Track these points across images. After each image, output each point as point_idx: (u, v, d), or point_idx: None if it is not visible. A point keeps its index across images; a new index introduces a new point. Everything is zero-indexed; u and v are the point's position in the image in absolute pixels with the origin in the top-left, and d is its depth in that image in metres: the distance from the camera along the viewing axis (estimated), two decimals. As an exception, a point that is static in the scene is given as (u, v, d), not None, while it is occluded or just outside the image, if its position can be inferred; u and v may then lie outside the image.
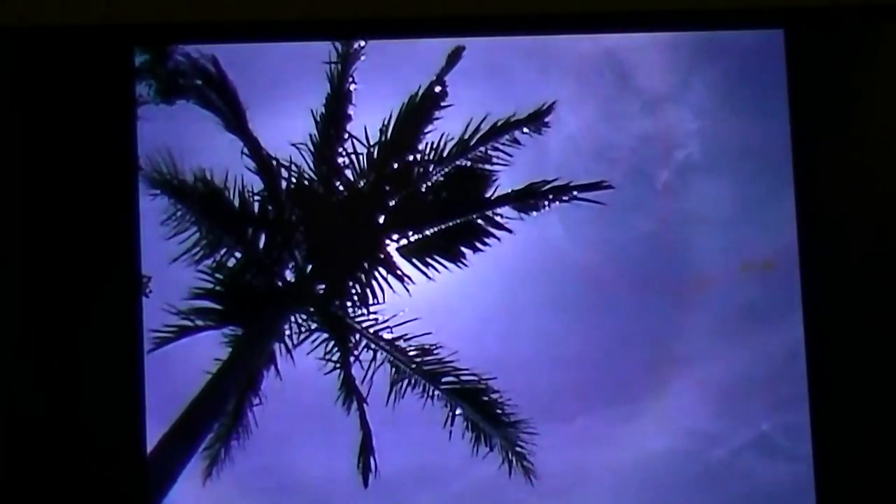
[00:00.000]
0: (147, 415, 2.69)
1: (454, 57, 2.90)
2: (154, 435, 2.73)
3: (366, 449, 2.83)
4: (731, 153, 2.88)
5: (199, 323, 2.89)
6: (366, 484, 2.81)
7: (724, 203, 2.89)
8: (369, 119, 3.00)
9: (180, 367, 2.84)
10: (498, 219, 2.95)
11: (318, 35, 2.87)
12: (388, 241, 2.96)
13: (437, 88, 2.93)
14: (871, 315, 2.74)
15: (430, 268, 2.96)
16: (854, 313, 2.75)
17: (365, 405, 2.85)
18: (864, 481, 2.72)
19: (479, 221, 2.96)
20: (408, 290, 2.93)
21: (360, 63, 2.96)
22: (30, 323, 2.66)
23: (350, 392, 2.87)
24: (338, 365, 2.91)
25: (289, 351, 2.89)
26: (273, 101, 2.92)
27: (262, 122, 2.92)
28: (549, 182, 2.94)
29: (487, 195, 2.98)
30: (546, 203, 2.94)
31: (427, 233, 2.97)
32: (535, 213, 2.95)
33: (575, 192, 2.91)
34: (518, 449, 2.86)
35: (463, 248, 2.96)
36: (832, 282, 2.76)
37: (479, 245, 2.95)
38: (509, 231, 2.94)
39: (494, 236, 2.95)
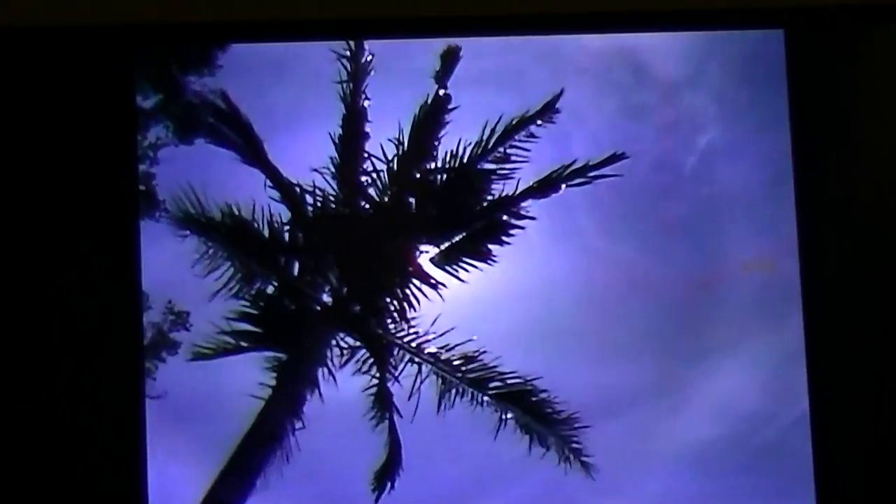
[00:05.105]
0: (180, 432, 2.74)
1: (450, 57, 2.91)
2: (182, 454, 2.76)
3: (389, 467, 2.84)
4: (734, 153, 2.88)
5: (239, 344, 2.90)
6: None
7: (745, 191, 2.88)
8: (390, 131, 3.00)
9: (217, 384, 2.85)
10: (520, 210, 2.95)
11: (321, 35, 2.86)
12: (418, 253, 2.96)
13: (442, 92, 2.94)
14: (871, 315, 2.73)
15: (461, 271, 2.95)
16: (855, 313, 2.74)
17: (398, 417, 2.86)
18: (864, 481, 2.71)
19: (504, 217, 2.96)
20: (442, 297, 2.93)
21: (371, 78, 2.97)
22: (27, 334, 2.66)
23: (387, 408, 2.87)
24: (377, 382, 2.91)
25: (331, 374, 2.89)
26: (289, 129, 2.93)
27: (281, 150, 2.93)
28: (567, 166, 2.94)
29: (510, 193, 2.97)
30: (566, 185, 2.93)
31: (455, 239, 2.96)
32: (554, 195, 2.94)
33: (595, 171, 2.91)
34: (574, 445, 2.86)
35: (490, 246, 2.95)
36: (832, 282, 2.75)
37: (504, 239, 2.94)
38: (532, 218, 2.94)
39: (519, 227, 2.95)
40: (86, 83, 2.72)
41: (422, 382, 2.91)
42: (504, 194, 2.98)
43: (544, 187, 2.96)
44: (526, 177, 2.99)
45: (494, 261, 2.94)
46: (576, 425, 2.85)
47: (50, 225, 2.70)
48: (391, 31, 2.83)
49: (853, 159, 2.76)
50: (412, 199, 2.99)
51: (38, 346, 2.67)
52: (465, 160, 2.98)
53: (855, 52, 2.78)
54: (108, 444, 2.65)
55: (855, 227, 2.74)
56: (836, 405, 2.72)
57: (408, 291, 2.95)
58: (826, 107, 2.78)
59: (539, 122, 2.95)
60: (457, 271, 2.95)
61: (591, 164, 2.93)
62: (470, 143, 2.98)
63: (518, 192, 2.97)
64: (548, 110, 2.93)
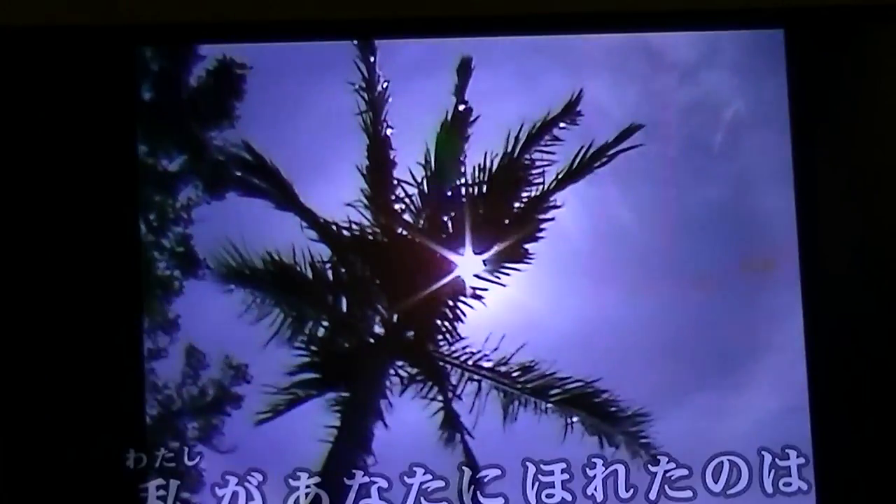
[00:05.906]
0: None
1: (464, 70, 2.92)
2: None
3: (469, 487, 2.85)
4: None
5: (301, 393, 2.92)
6: None
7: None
8: (416, 154, 3.01)
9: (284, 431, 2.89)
10: (550, 204, 2.96)
11: (326, 35, 2.87)
12: (460, 269, 2.96)
13: (461, 107, 2.95)
14: (871, 314, 2.71)
15: (503, 277, 2.96)
16: (856, 313, 2.72)
17: (470, 438, 2.87)
18: (865, 481, 2.70)
19: (536, 216, 2.96)
20: (485, 305, 2.93)
21: (390, 105, 2.98)
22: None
23: (456, 429, 2.89)
24: (441, 405, 2.92)
25: (390, 404, 2.91)
26: (316, 168, 2.95)
27: (312, 191, 2.95)
28: (586, 150, 2.94)
29: (539, 192, 2.98)
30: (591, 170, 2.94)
31: (495, 249, 2.96)
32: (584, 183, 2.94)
33: (614, 149, 2.91)
34: (643, 440, 2.86)
35: (526, 247, 2.96)
36: (833, 281, 2.73)
37: (538, 235, 2.95)
38: (559, 206, 2.94)
39: (549, 219, 2.95)
40: (85, 83, 2.74)
41: (485, 399, 2.92)
42: (533, 194, 2.98)
43: (571, 177, 2.96)
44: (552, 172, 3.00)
45: (531, 259, 2.95)
46: (642, 420, 2.86)
47: (48, 228, 2.72)
48: (400, 31, 2.84)
49: (853, 160, 2.74)
50: (447, 218, 2.99)
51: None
52: (493, 171, 2.98)
53: (855, 52, 2.75)
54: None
55: (855, 226, 2.73)
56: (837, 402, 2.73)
57: (457, 310, 2.96)
58: (826, 106, 2.76)
59: (562, 124, 2.95)
60: (499, 279, 2.96)
61: (608, 142, 2.93)
62: (497, 155, 2.98)
63: (547, 188, 2.97)
64: (569, 111, 2.93)
